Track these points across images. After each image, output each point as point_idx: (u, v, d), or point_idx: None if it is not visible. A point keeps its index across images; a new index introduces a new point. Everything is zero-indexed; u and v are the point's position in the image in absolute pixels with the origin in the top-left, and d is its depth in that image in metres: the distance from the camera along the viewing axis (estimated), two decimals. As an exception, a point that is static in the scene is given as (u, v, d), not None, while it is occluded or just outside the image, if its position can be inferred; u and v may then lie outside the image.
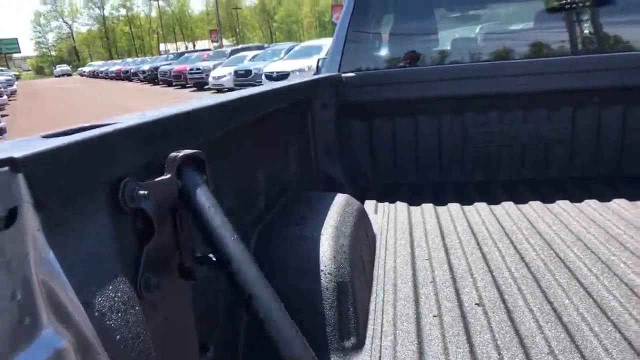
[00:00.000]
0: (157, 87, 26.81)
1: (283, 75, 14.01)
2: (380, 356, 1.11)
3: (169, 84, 24.90)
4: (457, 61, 2.58)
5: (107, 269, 0.57)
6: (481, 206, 2.10)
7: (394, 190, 2.38)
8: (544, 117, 2.39)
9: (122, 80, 37.12)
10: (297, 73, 13.87)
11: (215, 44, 46.39)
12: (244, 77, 16.59)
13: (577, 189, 2.22)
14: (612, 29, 2.42)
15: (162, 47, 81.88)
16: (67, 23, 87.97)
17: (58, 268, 0.47)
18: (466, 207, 2.11)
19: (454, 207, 2.12)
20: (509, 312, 1.28)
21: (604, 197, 2.06)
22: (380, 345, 1.14)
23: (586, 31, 2.48)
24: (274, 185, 1.51)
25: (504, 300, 1.33)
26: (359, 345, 1.13)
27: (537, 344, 1.12)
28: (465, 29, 2.89)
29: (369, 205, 2.25)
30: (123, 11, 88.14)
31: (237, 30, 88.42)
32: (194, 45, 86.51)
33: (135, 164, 0.66)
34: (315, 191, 1.76)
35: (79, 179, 0.55)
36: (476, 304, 1.33)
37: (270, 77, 14.46)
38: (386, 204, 2.24)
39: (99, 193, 0.59)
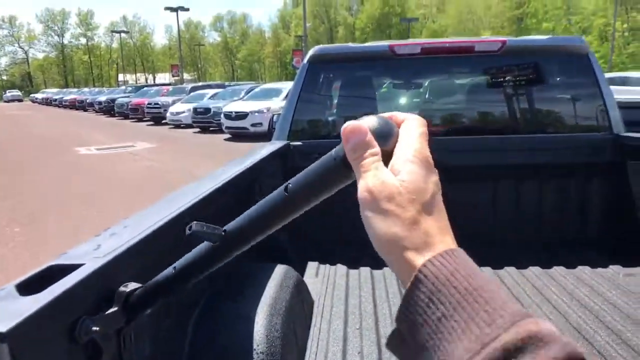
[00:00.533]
0: (113, 119, 26.38)
1: (242, 115, 14.26)
2: None
3: (126, 117, 24.58)
4: None
5: None
6: None
7: (335, 254, 2.53)
8: (474, 189, 2.65)
9: (77, 109, 36.23)
10: (256, 114, 14.14)
11: (176, 78, 46.40)
12: (202, 115, 16.72)
13: (520, 254, 2.45)
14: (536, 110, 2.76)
15: (120, 77, 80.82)
16: (22, 48, 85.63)
17: None
18: None
19: (389, 272, 2.29)
20: None
21: (544, 263, 2.30)
22: None
23: (508, 110, 2.81)
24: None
25: None
26: None
27: None
28: (405, 103, 3.18)
29: (312, 267, 2.39)
30: (83, 40, 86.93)
31: (199, 65, 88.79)
32: (154, 78, 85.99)
33: (91, 303, 0.79)
34: (256, 263, 1.89)
35: (50, 327, 0.69)
36: None
37: (229, 116, 14.65)
38: (327, 266, 2.39)
39: (61, 332, 0.73)
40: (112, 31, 78.38)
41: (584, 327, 1.63)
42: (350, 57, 2.84)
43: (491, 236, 2.63)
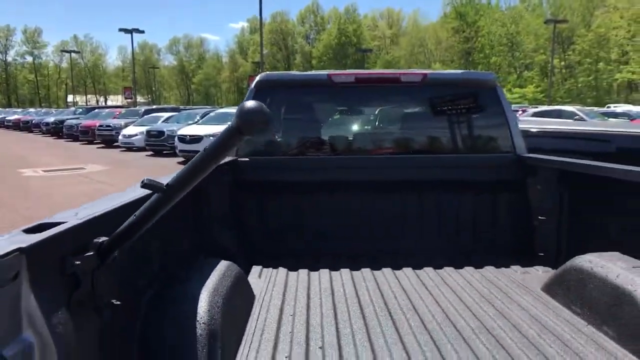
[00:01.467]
0: (62, 140, 25.58)
1: (196, 139, 14.32)
2: None
3: (75, 139, 23.93)
4: (332, 153, 3.17)
5: (56, 302, 1.06)
6: (345, 272, 2.58)
7: (278, 257, 2.79)
8: (403, 200, 3.00)
9: (21, 130, 34.80)
10: (211, 138, 14.25)
11: (129, 101, 45.57)
12: (156, 138, 16.61)
13: (439, 256, 2.80)
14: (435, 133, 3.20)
15: (70, 98, 78.35)
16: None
17: (34, 300, 0.97)
18: (333, 273, 2.58)
19: (324, 272, 2.58)
20: (340, 349, 1.73)
21: (457, 264, 2.67)
22: None
23: (426, 135, 3.23)
24: (168, 253, 1.87)
25: (339, 344, 1.78)
26: None
27: None
28: (340, 128, 3.54)
29: (255, 269, 2.64)
30: (29, 58, 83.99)
31: (154, 88, 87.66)
32: (106, 100, 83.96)
33: (73, 247, 1.14)
34: (205, 258, 2.12)
35: (48, 256, 1.05)
36: (319, 347, 1.76)
37: (183, 139, 14.68)
38: (270, 269, 2.65)
39: (53, 263, 1.08)
40: (62, 50, 76.23)
41: (485, 318, 1.99)
42: (293, 83, 3.17)
43: (417, 242, 2.98)
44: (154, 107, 26.75)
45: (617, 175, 2.13)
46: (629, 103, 35.91)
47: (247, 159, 2.91)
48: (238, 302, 1.88)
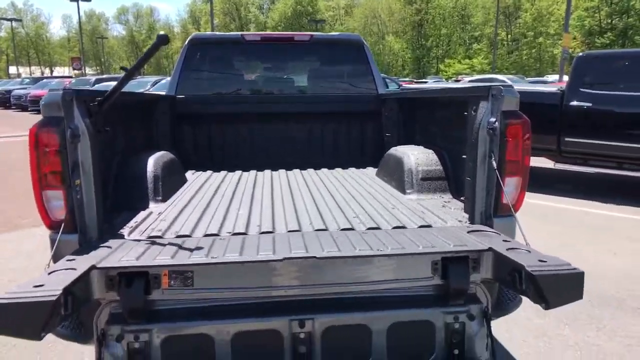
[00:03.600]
0: (9, 111, 25.24)
1: (149, 105, 14.93)
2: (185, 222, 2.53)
3: (24, 109, 23.77)
4: (245, 92, 4.31)
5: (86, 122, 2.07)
6: (253, 173, 3.73)
7: (204, 169, 3.89)
8: (297, 128, 4.17)
9: (-37, 102, 33.64)
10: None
11: (77, 72, 44.43)
12: (109, 105, 17.01)
13: (323, 165, 3.94)
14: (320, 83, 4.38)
15: (12, 69, 74.65)
16: None
17: (80, 118, 1.92)
18: (244, 173, 3.72)
19: (237, 173, 3.72)
20: (251, 209, 2.90)
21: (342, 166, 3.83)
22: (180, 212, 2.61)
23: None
24: (130, 140, 2.99)
25: (251, 207, 2.77)
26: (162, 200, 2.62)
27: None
28: (254, 76, 4.66)
29: (189, 173, 3.76)
30: (-35, 27, 78.84)
31: (102, 59, 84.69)
32: (52, 72, 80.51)
33: (91, 100, 2.13)
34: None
35: (84, 102, 1.99)
36: (237, 209, 2.91)
37: (136, 106, 15.21)
38: (201, 172, 3.78)
39: (85, 106, 2.03)
40: (0, 18, 72.19)
41: (344, 193, 2.96)
42: (217, 41, 4.26)
43: (305, 159, 4.15)
44: (105, 76, 26.66)
45: (421, 95, 3.38)
46: (567, 74, 38.59)
47: (184, 96, 4.00)
48: (174, 169, 3.02)
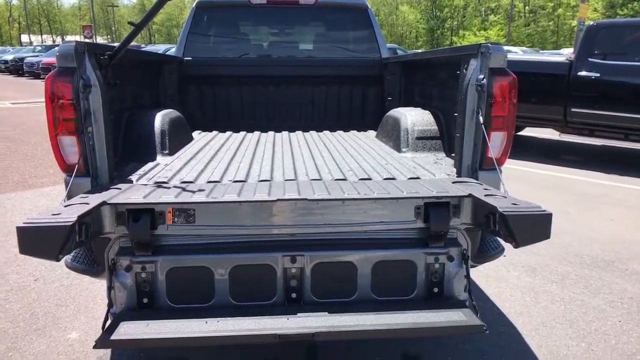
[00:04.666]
0: (23, 78, 25.47)
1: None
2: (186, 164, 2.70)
3: (37, 76, 23.98)
4: (255, 57, 4.40)
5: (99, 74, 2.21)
6: (256, 134, 3.86)
7: (209, 129, 4.03)
8: (301, 91, 4.27)
9: (-23, 69, 33.94)
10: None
11: (89, 40, 44.28)
12: (120, 73, 17.11)
13: (327, 128, 4.05)
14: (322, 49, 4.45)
15: (24, 38, 74.71)
16: None
17: (92, 71, 2.06)
18: (249, 134, 3.86)
19: (242, 133, 3.86)
20: (252, 161, 3.04)
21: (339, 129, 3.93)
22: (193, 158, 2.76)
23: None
24: (139, 98, 3.13)
25: (252, 159, 2.95)
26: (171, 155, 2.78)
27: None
28: (260, 40, 4.73)
29: (195, 133, 3.91)
30: (-24, -6, 78.61)
31: (113, 28, 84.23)
32: (63, 40, 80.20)
33: (102, 56, 2.25)
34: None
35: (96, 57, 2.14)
36: (239, 162, 3.06)
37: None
38: (207, 132, 3.92)
39: (97, 61, 2.15)
40: (12, -14, 71.76)
41: (343, 150, 3.10)
42: (224, 4, 4.33)
43: (308, 121, 4.28)
44: (116, 44, 26.60)
45: (421, 57, 3.45)
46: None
47: (190, 58, 4.11)
48: (181, 126, 3.16)
